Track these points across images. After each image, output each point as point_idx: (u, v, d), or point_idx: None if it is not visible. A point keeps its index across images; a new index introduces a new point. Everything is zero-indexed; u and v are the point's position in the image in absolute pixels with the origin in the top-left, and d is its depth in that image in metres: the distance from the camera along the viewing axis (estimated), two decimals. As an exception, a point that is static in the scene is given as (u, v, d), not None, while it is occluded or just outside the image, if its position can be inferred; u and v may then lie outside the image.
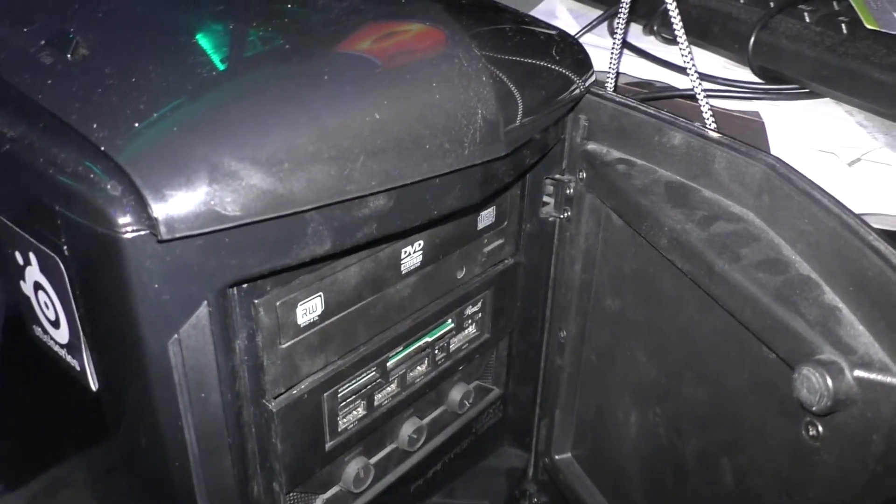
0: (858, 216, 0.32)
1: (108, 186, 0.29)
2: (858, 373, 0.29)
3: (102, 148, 0.29)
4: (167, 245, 0.29)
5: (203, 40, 0.34)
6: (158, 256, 0.30)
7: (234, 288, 0.35)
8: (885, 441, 0.29)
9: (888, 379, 0.29)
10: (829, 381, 0.29)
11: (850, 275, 0.32)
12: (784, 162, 0.37)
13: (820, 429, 0.31)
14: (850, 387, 0.29)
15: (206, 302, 0.32)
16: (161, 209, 0.28)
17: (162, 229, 0.28)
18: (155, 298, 0.31)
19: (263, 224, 0.31)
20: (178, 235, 0.29)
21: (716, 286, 0.37)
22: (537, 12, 0.69)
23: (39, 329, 0.39)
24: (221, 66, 0.33)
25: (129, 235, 0.29)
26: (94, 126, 0.30)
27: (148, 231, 0.29)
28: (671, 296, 0.43)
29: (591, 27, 0.62)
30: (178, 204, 0.29)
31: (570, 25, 0.66)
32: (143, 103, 0.31)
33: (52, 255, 0.33)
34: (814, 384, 0.29)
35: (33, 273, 0.36)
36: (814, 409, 0.30)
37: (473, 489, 0.63)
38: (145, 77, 0.32)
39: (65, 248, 0.32)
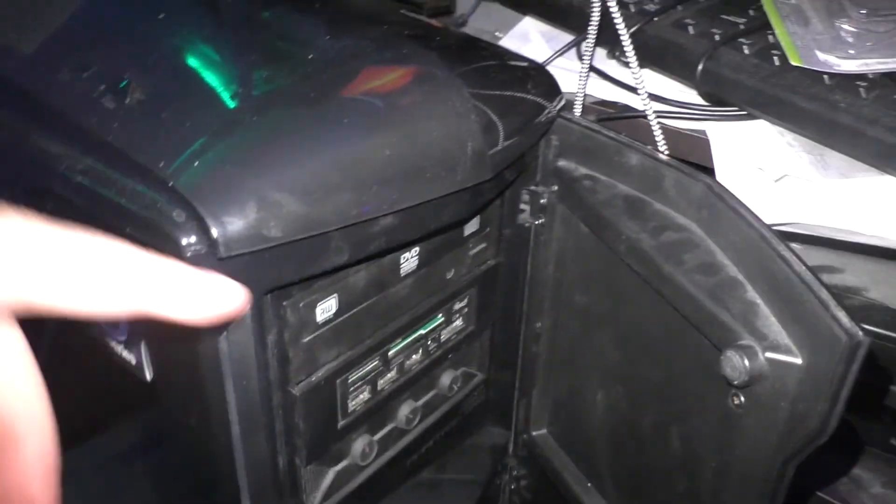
0: (773, 229, 0.40)
1: (174, 214, 0.36)
2: (769, 354, 0.37)
3: (171, 183, 0.36)
4: (222, 262, 0.37)
5: (242, 88, 0.41)
6: (213, 271, 0.37)
7: (267, 294, 0.42)
8: (789, 407, 0.37)
9: (791, 359, 0.37)
10: (747, 362, 0.37)
11: (766, 277, 0.40)
12: (718, 183, 0.45)
13: (742, 399, 0.39)
14: (763, 365, 0.37)
15: (249, 306, 0.39)
16: (220, 233, 0.35)
17: (221, 249, 0.35)
18: (209, 303, 0.38)
19: (297, 243, 0.38)
20: (233, 254, 0.36)
21: (663, 286, 0.45)
22: (513, 35, 0.77)
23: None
24: (261, 111, 0.40)
25: (190, 254, 0.36)
26: (161, 164, 0.37)
27: (206, 250, 0.36)
28: (629, 293, 0.51)
29: (561, 52, 0.70)
30: (233, 228, 0.36)
31: (542, 48, 0.73)
32: (198, 143, 0.38)
33: (119, 268, 0.40)
34: (735, 364, 0.38)
35: (96, 282, 0.43)
36: (735, 383, 0.38)
37: (461, 464, 0.70)
38: (198, 120, 0.39)
39: (132, 263, 0.39)
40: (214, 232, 0.35)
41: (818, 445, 0.36)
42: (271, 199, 0.37)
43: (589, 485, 0.61)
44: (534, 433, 0.68)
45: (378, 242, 0.43)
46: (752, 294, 0.41)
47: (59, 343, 0.51)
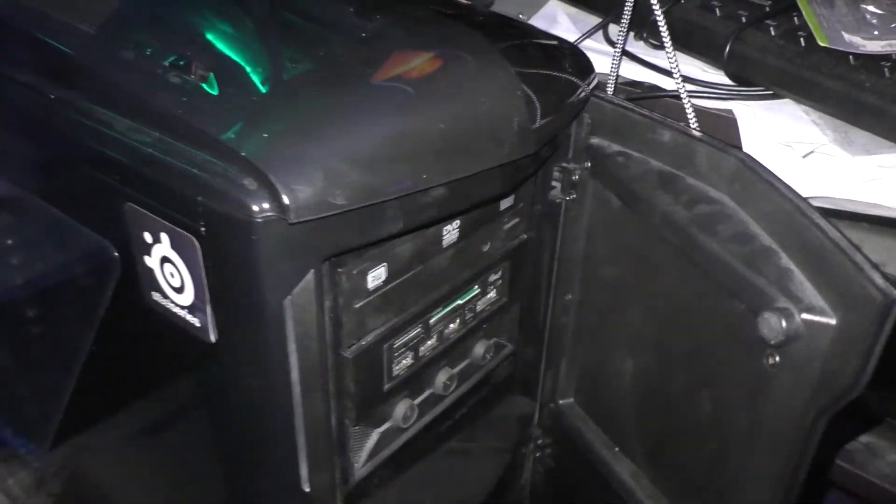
0: (806, 200, 0.42)
1: (246, 182, 0.38)
2: (805, 315, 0.40)
3: (243, 153, 0.38)
4: (291, 227, 0.39)
5: (303, 64, 0.43)
6: (282, 236, 0.39)
7: (326, 262, 0.44)
8: (821, 365, 0.39)
9: (825, 320, 0.39)
10: (784, 322, 0.40)
11: (800, 244, 0.42)
12: (751, 157, 0.47)
13: (777, 358, 0.42)
14: (798, 326, 0.40)
15: (312, 270, 0.42)
16: (291, 200, 0.38)
17: (291, 215, 0.38)
18: (276, 268, 0.40)
19: (359, 210, 0.40)
20: (301, 220, 0.38)
21: (698, 255, 0.47)
22: (540, 16, 0.78)
23: (159, 294, 0.48)
24: (322, 87, 0.42)
25: (260, 220, 0.38)
26: (232, 134, 0.39)
27: (276, 216, 0.38)
28: (661, 264, 0.53)
29: (590, 34, 0.72)
30: (303, 196, 0.38)
31: (569, 30, 0.75)
32: (267, 118, 0.40)
33: (188, 235, 0.42)
34: (772, 325, 0.40)
35: (162, 249, 0.45)
36: (772, 342, 0.40)
37: (489, 433, 0.73)
38: (264, 95, 0.41)
39: (202, 229, 0.41)
40: (286, 199, 0.38)
41: (850, 400, 0.38)
42: (336, 169, 0.39)
43: (616, 449, 0.64)
44: (560, 402, 0.70)
45: (429, 213, 0.45)
46: (785, 261, 0.43)
47: (114, 310, 0.54)
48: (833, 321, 0.39)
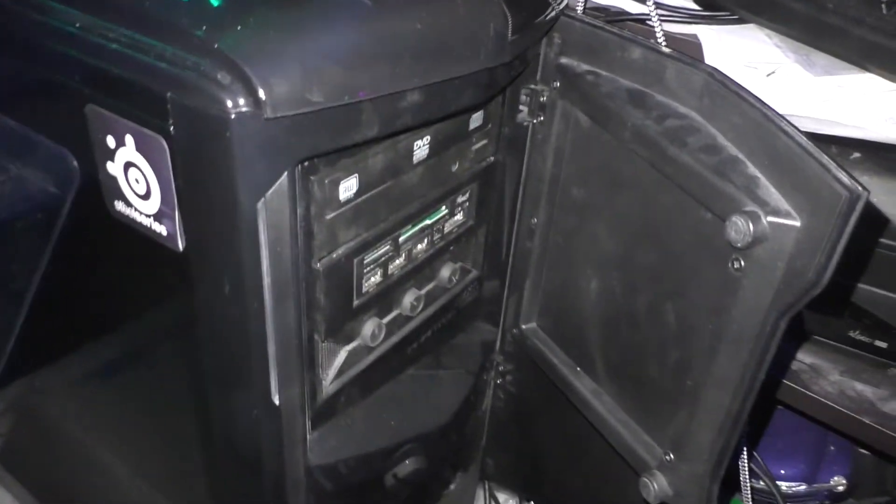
0: (774, 109, 0.43)
1: (219, 76, 0.37)
2: (770, 218, 0.41)
3: (216, 45, 0.37)
4: (264, 123, 0.38)
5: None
6: (256, 133, 0.38)
7: (298, 165, 0.43)
8: (785, 265, 0.41)
9: (789, 222, 0.41)
10: (751, 225, 0.41)
11: (767, 152, 0.43)
12: (720, 71, 0.48)
13: (742, 262, 0.43)
14: (765, 228, 0.41)
15: (286, 173, 0.41)
16: (268, 94, 0.37)
17: (268, 110, 0.37)
18: (250, 167, 0.39)
19: (335, 109, 0.40)
20: (278, 115, 0.37)
21: (668, 167, 0.48)
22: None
23: (122, 203, 0.46)
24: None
25: (234, 115, 0.37)
26: (205, 28, 0.38)
27: (251, 112, 0.37)
28: (629, 180, 0.54)
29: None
30: (280, 90, 0.37)
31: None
32: (242, 13, 0.38)
33: (156, 135, 0.41)
34: (740, 227, 0.41)
35: (126, 154, 0.44)
36: (738, 245, 0.42)
37: (453, 358, 0.74)
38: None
39: (171, 128, 0.40)
40: (262, 93, 0.37)
41: (812, 297, 0.40)
42: (314, 66, 0.38)
43: (578, 369, 0.66)
44: (523, 326, 0.72)
45: (404, 119, 0.45)
46: (752, 169, 0.44)
47: (72, 226, 0.52)
48: (798, 223, 0.40)
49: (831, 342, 0.77)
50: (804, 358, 0.76)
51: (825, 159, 0.38)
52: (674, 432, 0.54)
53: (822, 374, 0.75)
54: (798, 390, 0.73)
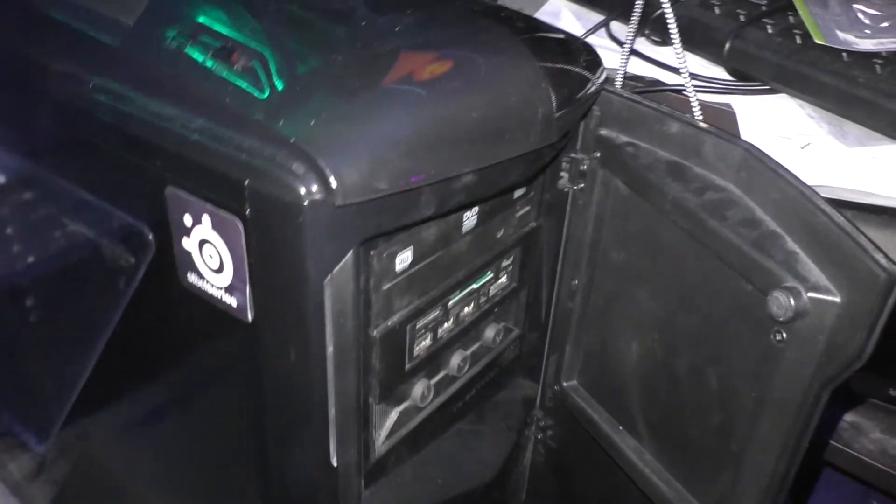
0: (810, 187, 0.45)
1: (294, 166, 0.41)
2: (811, 294, 0.43)
3: (292, 139, 0.40)
4: (335, 210, 0.41)
5: (344, 55, 0.46)
6: (326, 218, 0.41)
7: (363, 243, 0.46)
8: (826, 339, 0.43)
9: (830, 298, 0.42)
10: (792, 301, 0.43)
11: (805, 229, 0.45)
12: (757, 147, 0.50)
13: (784, 335, 0.45)
14: (806, 304, 0.43)
15: (351, 251, 0.44)
16: (338, 183, 0.40)
17: (339, 198, 0.40)
18: (319, 248, 0.43)
19: (398, 195, 0.43)
20: (347, 202, 0.40)
21: (708, 238, 0.50)
22: (543, 13, 0.81)
23: (195, 276, 0.50)
24: (364, 77, 0.44)
25: (307, 202, 0.41)
26: (281, 123, 0.41)
27: (321, 198, 0.41)
28: (668, 248, 0.56)
29: (594, 30, 0.75)
30: (349, 180, 0.40)
31: (573, 26, 0.78)
32: (312, 106, 0.42)
33: (232, 217, 0.44)
34: (781, 303, 0.43)
35: (202, 231, 0.47)
36: (780, 319, 0.44)
37: (496, 414, 0.76)
38: (308, 83, 0.43)
39: (247, 211, 0.43)
40: (333, 182, 0.40)
41: (854, 370, 0.42)
42: (379, 155, 0.41)
43: (620, 428, 0.67)
44: (564, 384, 0.73)
45: (458, 198, 0.47)
46: (791, 244, 0.46)
47: (144, 293, 0.56)
48: (838, 299, 0.42)
49: (872, 400, 0.77)
50: (845, 416, 0.77)
51: (862, 239, 0.40)
52: (718, 493, 0.55)
53: (864, 432, 0.75)
54: (839, 449, 0.74)
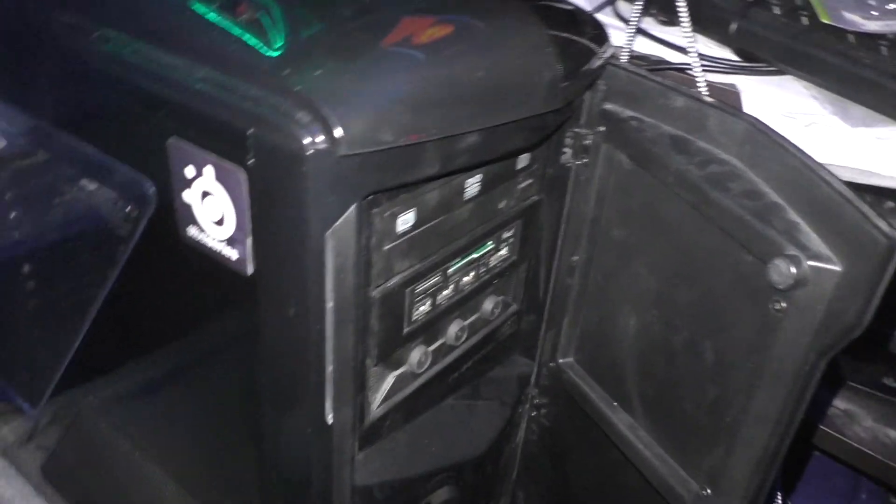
0: (813, 158, 0.45)
1: (298, 115, 0.40)
2: (811, 262, 0.43)
3: (297, 88, 0.40)
4: (338, 161, 0.41)
5: (353, 13, 0.46)
6: (329, 169, 0.41)
7: (364, 199, 0.46)
8: (825, 308, 0.43)
9: (830, 266, 0.43)
10: (792, 268, 0.43)
11: (807, 199, 0.45)
12: (761, 121, 0.50)
13: (783, 304, 0.45)
14: (806, 271, 0.43)
15: (354, 205, 0.44)
16: (342, 133, 0.40)
17: (342, 148, 0.40)
18: (322, 200, 0.42)
19: (401, 149, 0.43)
20: (351, 153, 0.40)
21: (711, 210, 0.50)
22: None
23: (195, 229, 0.50)
24: (372, 32, 0.44)
25: (311, 152, 0.41)
26: (286, 73, 0.41)
27: (325, 148, 0.40)
28: (670, 221, 0.56)
29: (601, 8, 0.75)
30: (353, 130, 0.40)
31: (581, 2, 0.78)
32: (318, 58, 0.42)
33: (235, 167, 0.44)
34: (782, 270, 0.43)
35: (204, 183, 0.47)
36: (780, 287, 0.44)
37: (490, 389, 0.76)
38: (316, 37, 0.43)
39: (250, 161, 0.43)
40: (337, 132, 0.40)
41: (851, 339, 0.42)
42: (384, 107, 0.41)
43: (615, 404, 0.67)
44: (560, 360, 0.73)
45: (462, 159, 0.47)
46: (793, 215, 0.46)
47: (142, 248, 0.56)
48: (838, 268, 0.42)
49: (865, 388, 0.77)
50: (838, 403, 0.77)
51: (864, 207, 0.41)
52: (711, 467, 0.55)
53: (856, 419, 0.76)
54: (831, 435, 0.74)
